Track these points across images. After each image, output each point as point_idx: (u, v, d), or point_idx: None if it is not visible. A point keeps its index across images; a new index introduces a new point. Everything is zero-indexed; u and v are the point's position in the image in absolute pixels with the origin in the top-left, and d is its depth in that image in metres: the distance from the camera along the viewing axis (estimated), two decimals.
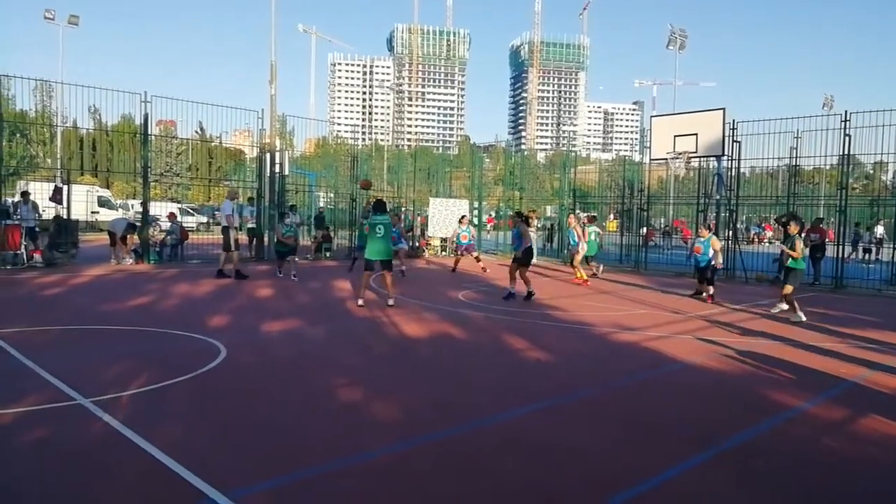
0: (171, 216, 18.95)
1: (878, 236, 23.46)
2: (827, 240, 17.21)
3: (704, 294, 12.58)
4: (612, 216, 31.70)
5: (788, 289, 10.34)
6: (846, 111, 15.27)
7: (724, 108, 16.74)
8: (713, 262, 12.51)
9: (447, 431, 4.74)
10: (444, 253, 23.26)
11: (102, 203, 32.52)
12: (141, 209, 17.77)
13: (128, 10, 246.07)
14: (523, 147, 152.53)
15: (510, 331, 8.83)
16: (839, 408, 5.63)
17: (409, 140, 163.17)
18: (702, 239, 12.69)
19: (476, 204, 25.45)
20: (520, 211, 15.17)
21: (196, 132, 47.07)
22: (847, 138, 15.24)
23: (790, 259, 10.44)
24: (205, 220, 35.60)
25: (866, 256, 21.59)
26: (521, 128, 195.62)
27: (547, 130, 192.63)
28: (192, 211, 36.11)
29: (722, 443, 4.65)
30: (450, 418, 5.07)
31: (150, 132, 17.49)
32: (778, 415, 5.38)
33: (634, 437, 4.80)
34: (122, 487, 3.64)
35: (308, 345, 7.74)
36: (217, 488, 3.55)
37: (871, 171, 31.76)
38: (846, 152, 15.46)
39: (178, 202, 39.36)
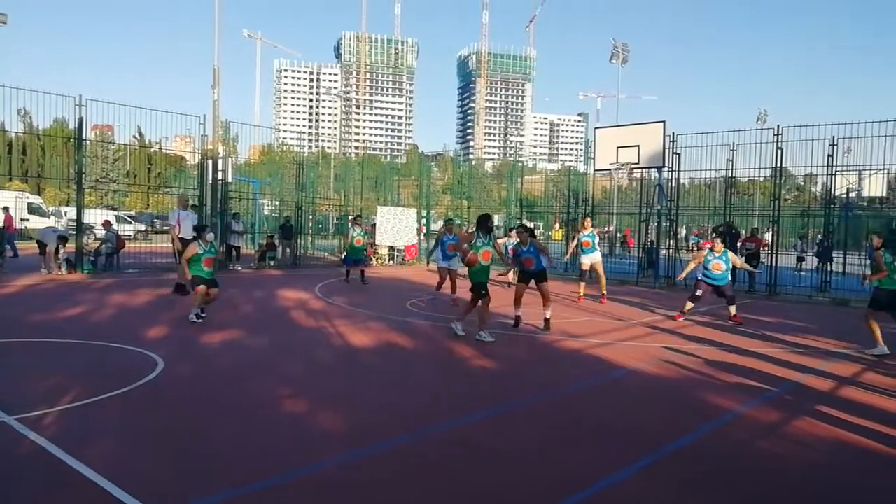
0: (106, 224, 18.21)
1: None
2: (762, 248, 17.90)
3: (730, 314, 11.03)
4: (557, 225, 32.17)
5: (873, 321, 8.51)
6: (778, 125, 15.98)
7: (664, 121, 17.26)
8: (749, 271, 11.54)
9: (395, 440, 4.67)
10: (391, 262, 23.14)
11: (33, 210, 31.06)
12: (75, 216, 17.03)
13: (63, 12, 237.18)
14: (471, 156, 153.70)
15: (457, 339, 8.81)
16: (774, 411, 5.83)
17: (356, 148, 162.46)
18: (717, 254, 10.98)
19: (424, 213, 25.46)
20: (524, 224, 12.16)
21: (134, 137, 45.64)
22: (779, 151, 15.92)
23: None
24: (143, 228, 34.43)
25: (800, 265, 22.56)
26: (468, 137, 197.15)
27: (494, 140, 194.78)
28: (129, 218, 34.88)
29: (664, 447, 4.74)
30: (398, 427, 5.00)
31: (84, 137, 16.81)
32: (717, 419, 5.53)
33: (580, 442, 4.85)
34: None
35: (251, 356, 7.54)
36: None
37: (802, 183, 33.27)
38: (778, 165, 16.14)
39: (115, 209, 37.96)
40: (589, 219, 14.91)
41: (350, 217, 26.04)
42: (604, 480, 4.08)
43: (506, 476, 4.12)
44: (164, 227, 37.20)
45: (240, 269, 18.85)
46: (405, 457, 4.41)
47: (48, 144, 53.07)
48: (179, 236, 12.84)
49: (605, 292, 13.60)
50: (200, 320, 9.46)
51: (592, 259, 13.75)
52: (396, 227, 22.68)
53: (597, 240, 13.94)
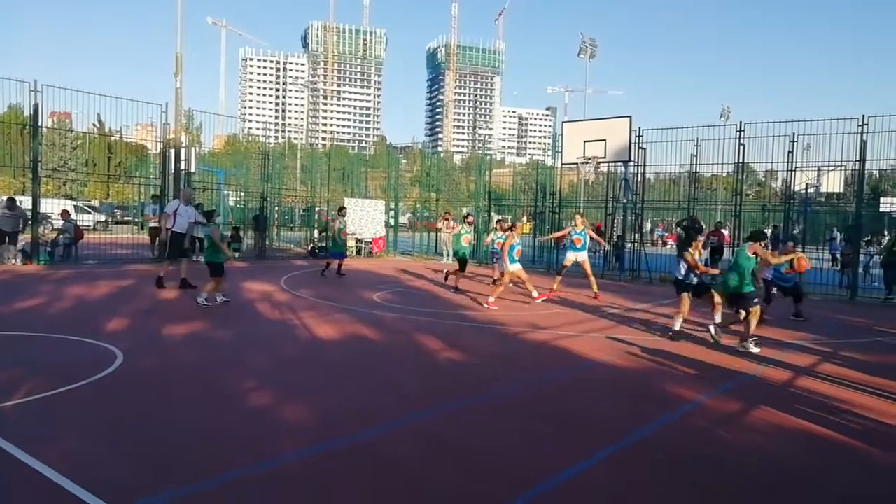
0: (65, 214, 17.71)
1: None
2: (724, 243, 18.26)
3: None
4: (525, 218, 32.32)
5: None
6: (741, 122, 16.28)
7: (630, 116, 17.44)
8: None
9: (362, 434, 4.64)
10: (359, 255, 23.01)
11: None
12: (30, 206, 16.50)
13: None
14: (440, 149, 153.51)
15: (425, 332, 8.81)
16: (733, 400, 5.96)
17: (323, 139, 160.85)
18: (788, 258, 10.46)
19: (392, 205, 25.35)
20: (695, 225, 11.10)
21: (94, 125, 44.40)
22: (742, 147, 16.23)
23: None
24: (103, 218, 33.59)
25: None
26: (437, 130, 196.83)
27: (463, 133, 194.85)
28: (89, 209, 33.99)
29: (627, 437, 4.81)
30: (364, 421, 4.97)
31: (40, 124, 16.28)
32: (679, 409, 5.63)
33: (546, 433, 4.88)
34: None
35: (214, 349, 7.41)
36: (109, 503, 3.31)
37: (763, 179, 34.04)
38: (741, 160, 16.47)
39: (74, 199, 36.95)
40: (580, 216, 14.26)
41: (317, 209, 25.81)
42: (568, 470, 4.11)
43: (471, 468, 4.13)
44: (126, 218, 36.48)
45: (203, 260, 18.50)
46: (370, 451, 4.39)
47: (1, 131, 51.31)
48: (172, 229, 12.15)
49: (597, 290, 13.30)
50: (209, 303, 10.28)
51: (579, 257, 13.48)
52: (364, 218, 22.53)
53: (587, 238, 13.65)
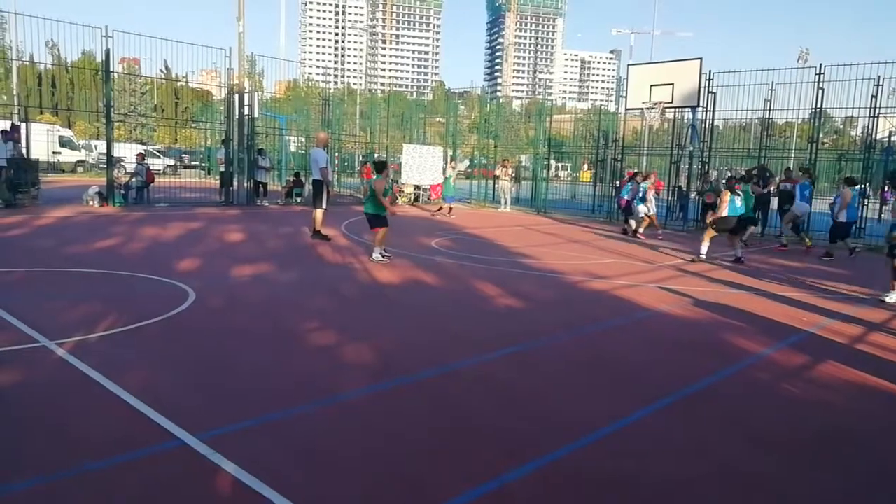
0: (140, 157, 18.42)
1: None
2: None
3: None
4: (585, 166, 31.64)
5: None
6: (821, 64, 15.31)
7: (700, 58, 16.65)
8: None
9: (417, 375, 4.77)
10: (417, 201, 23.13)
11: (64, 143, 31.48)
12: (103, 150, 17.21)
13: None
14: (499, 94, 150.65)
15: (482, 278, 8.87)
16: (799, 354, 5.81)
17: (382, 84, 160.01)
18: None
19: (451, 151, 25.21)
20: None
21: (161, 71, 45.51)
22: (820, 92, 15.31)
23: None
24: (171, 162, 34.71)
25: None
26: (496, 74, 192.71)
27: (523, 77, 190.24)
28: (158, 153, 35.16)
29: (684, 388, 4.77)
30: (420, 361, 5.10)
31: (112, 69, 16.80)
32: (740, 361, 5.53)
33: (601, 381, 4.90)
34: (88, 430, 3.60)
35: (280, 290, 7.68)
36: (186, 430, 3.54)
37: (841, 126, 32.10)
38: (818, 106, 15.55)
39: (144, 143, 38.25)
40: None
41: (376, 156, 25.92)
42: (625, 419, 4.13)
43: (523, 413, 4.20)
44: (193, 163, 37.62)
45: (267, 204, 19.03)
46: (424, 391, 4.51)
47: (76, 77, 53.18)
48: (329, 179, 11.55)
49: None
50: (387, 258, 9.76)
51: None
52: (422, 165, 22.54)
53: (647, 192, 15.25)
